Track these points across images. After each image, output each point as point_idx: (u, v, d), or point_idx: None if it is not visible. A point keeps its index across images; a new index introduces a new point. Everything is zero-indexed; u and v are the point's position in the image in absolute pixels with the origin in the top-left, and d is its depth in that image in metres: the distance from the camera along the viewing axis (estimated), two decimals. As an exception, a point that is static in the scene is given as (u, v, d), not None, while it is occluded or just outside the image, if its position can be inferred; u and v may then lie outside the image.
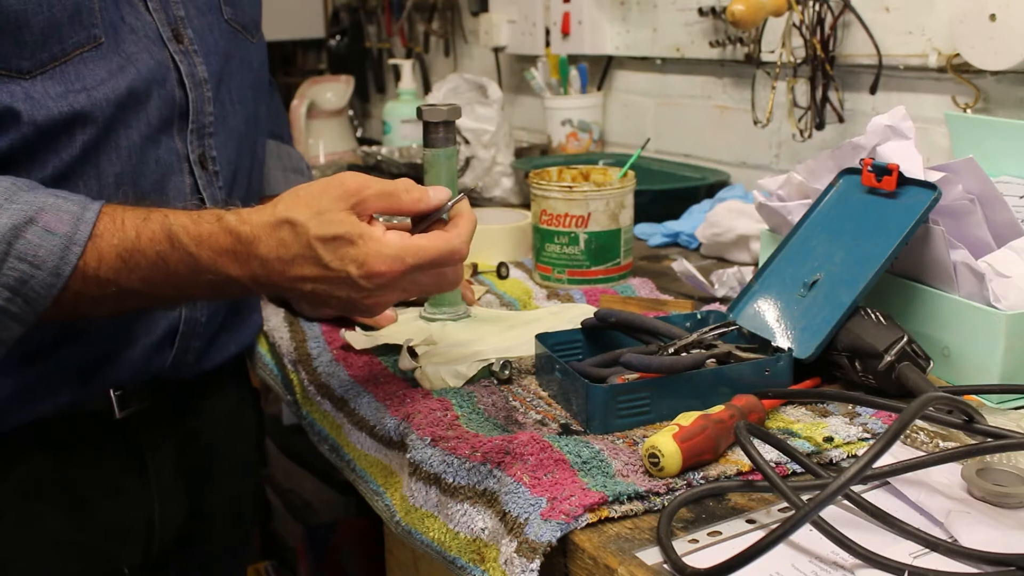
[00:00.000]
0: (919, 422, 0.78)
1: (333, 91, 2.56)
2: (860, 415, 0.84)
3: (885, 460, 0.65)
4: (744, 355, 0.89)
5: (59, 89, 0.86)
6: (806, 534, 0.65)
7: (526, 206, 1.53)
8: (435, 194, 0.84)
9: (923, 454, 0.74)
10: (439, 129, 1.01)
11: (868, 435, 0.80)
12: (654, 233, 1.53)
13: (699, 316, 1.00)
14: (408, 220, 0.88)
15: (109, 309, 0.84)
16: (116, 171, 0.91)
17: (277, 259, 0.79)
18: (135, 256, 0.80)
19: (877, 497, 0.70)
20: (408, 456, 0.83)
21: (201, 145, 1.00)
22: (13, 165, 0.86)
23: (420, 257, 0.80)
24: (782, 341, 0.93)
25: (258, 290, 0.84)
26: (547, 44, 2.09)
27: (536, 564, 0.66)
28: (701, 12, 1.72)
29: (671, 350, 0.90)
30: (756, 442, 0.72)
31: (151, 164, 0.95)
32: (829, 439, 0.79)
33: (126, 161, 0.92)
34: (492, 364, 0.96)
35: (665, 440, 0.73)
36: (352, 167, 2.23)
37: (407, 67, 2.46)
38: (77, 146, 0.88)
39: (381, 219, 0.85)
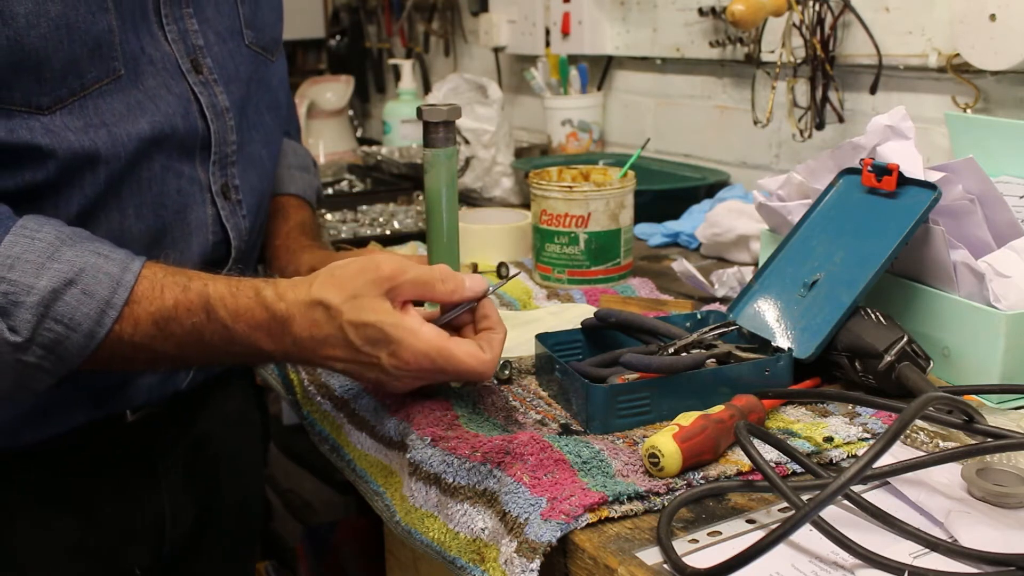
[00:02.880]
0: (919, 422, 0.78)
1: (333, 91, 2.57)
2: (860, 415, 0.84)
3: (885, 460, 0.65)
4: (744, 355, 0.89)
5: (79, 123, 0.85)
6: (806, 534, 0.65)
7: (526, 206, 1.53)
8: (471, 285, 0.84)
9: (923, 454, 0.74)
10: (439, 129, 1.01)
11: (868, 435, 0.80)
12: (654, 233, 1.53)
13: (699, 316, 1.00)
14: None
15: (141, 367, 0.86)
16: (136, 203, 0.91)
17: (310, 338, 0.80)
18: (171, 324, 0.81)
19: (877, 497, 0.70)
20: (408, 456, 0.83)
21: (224, 175, 0.99)
22: (39, 201, 0.85)
23: (448, 364, 0.80)
24: (782, 341, 0.93)
25: (288, 362, 0.85)
26: (547, 44, 2.09)
27: (536, 564, 0.66)
28: (701, 12, 1.72)
29: (671, 350, 0.90)
30: (756, 442, 0.72)
31: (172, 195, 0.94)
32: (829, 439, 0.79)
33: (147, 192, 0.91)
34: (492, 364, 0.95)
35: (665, 440, 0.73)
36: (352, 167, 2.23)
37: (407, 67, 2.47)
38: (100, 181, 0.87)
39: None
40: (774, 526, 0.62)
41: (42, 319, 0.77)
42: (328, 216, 1.74)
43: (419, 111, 1.02)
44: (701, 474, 0.74)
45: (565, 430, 0.83)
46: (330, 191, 2.04)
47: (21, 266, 0.77)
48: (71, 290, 0.78)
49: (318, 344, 0.80)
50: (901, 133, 1.00)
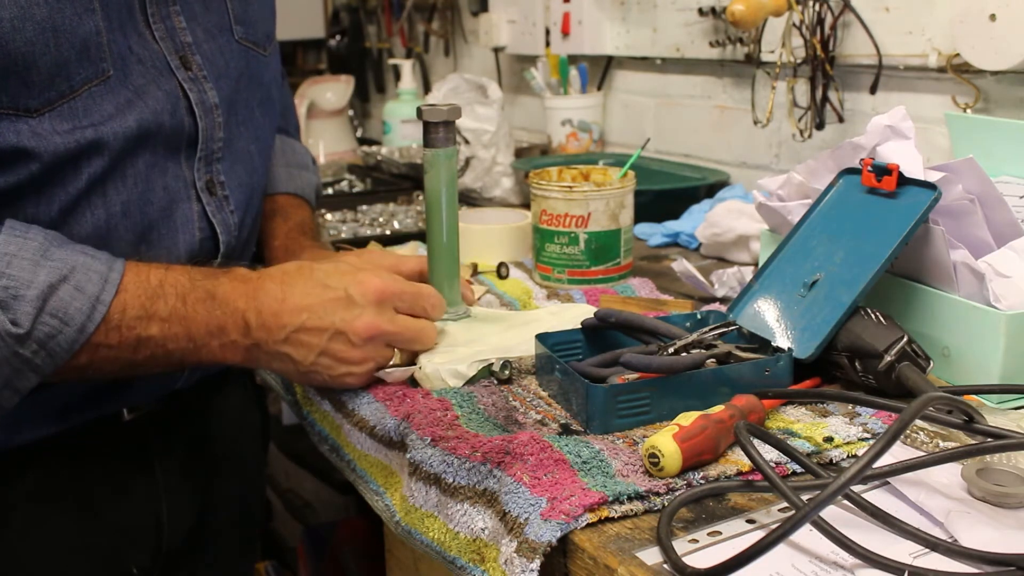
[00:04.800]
0: (919, 422, 0.78)
1: (333, 91, 2.56)
2: (860, 415, 0.84)
3: (885, 460, 0.65)
4: (744, 355, 0.89)
5: (66, 125, 0.85)
6: (806, 534, 0.65)
7: (526, 206, 1.53)
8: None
9: (923, 454, 0.74)
10: (439, 129, 1.01)
11: (868, 435, 0.80)
12: (654, 233, 1.53)
13: (699, 316, 1.00)
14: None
15: (121, 365, 0.87)
16: (123, 200, 0.91)
17: (281, 286, 0.89)
18: (156, 303, 0.85)
19: (877, 497, 0.70)
20: (408, 456, 0.83)
21: (209, 171, 0.99)
22: (20, 200, 0.85)
23: (399, 283, 0.92)
24: (782, 341, 0.93)
25: (257, 335, 0.88)
26: (547, 44, 2.09)
27: (536, 564, 0.66)
28: (701, 12, 1.72)
29: (671, 350, 0.90)
30: (756, 442, 0.72)
31: (158, 192, 0.94)
32: (829, 439, 0.79)
33: (132, 189, 0.92)
34: (492, 364, 0.96)
35: (665, 440, 0.73)
36: (352, 167, 2.23)
37: (407, 67, 2.47)
38: (83, 179, 0.88)
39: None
40: (774, 526, 0.62)
41: (40, 313, 0.80)
42: (328, 216, 1.74)
43: (419, 111, 1.02)
44: (701, 474, 0.74)
45: (565, 430, 0.83)
46: (330, 191, 2.04)
47: (18, 263, 0.80)
48: (64, 286, 0.81)
49: (288, 290, 0.88)
50: (901, 133, 1.00)
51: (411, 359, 0.96)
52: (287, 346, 0.89)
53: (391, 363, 0.95)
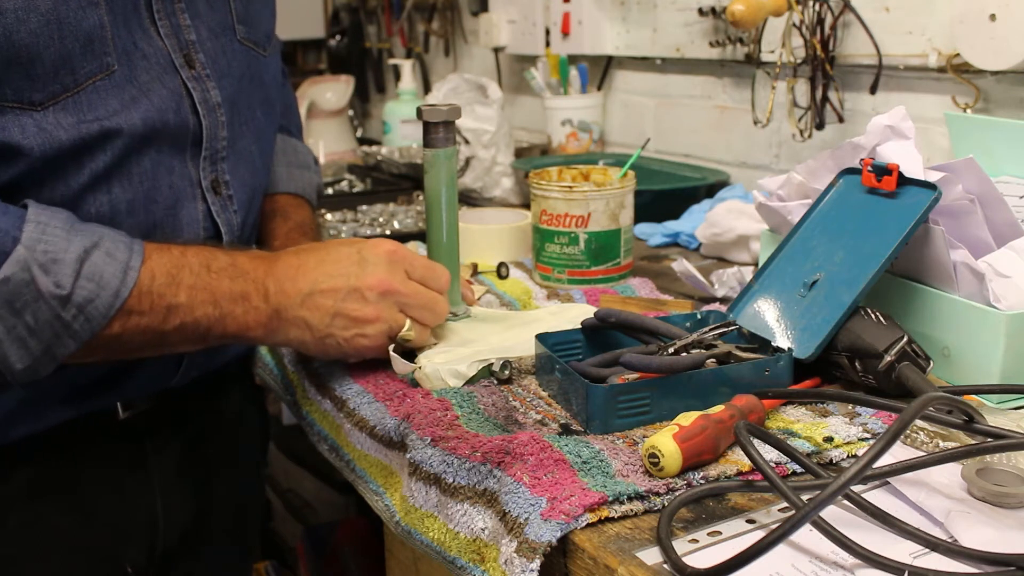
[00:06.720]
0: (919, 422, 0.78)
1: (333, 91, 2.57)
2: (860, 415, 0.84)
3: (885, 460, 0.65)
4: (744, 355, 0.89)
5: (71, 120, 0.85)
6: (806, 534, 0.65)
7: (526, 206, 1.53)
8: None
9: (923, 454, 0.74)
10: (439, 129, 1.01)
11: (868, 435, 0.80)
12: (654, 233, 1.53)
13: (699, 316, 1.00)
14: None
15: (151, 337, 0.87)
16: (129, 198, 0.92)
17: (296, 256, 0.93)
18: (181, 271, 0.87)
19: (877, 497, 0.70)
20: (408, 456, 0.83)
21: (214, 171, 0.99)
22: (20, 192, 0.86)
23: (412, 252, 0.94)
24: (782, 341, 0.93)
25: (276, 300, 0.90)
26: (547, 44, 2.09)
27: (536, 564, 0.66)
28: (701, 12, 1.72)
29: (671, 350, 0.90)
30: (756, 442, 0.72)
31: (164, 191, 0.94)
32: (829, 439, 0.79)
33: (138, 187, 0.92)
34: (492, 364, 0.95)
35: (665, 440, 0.73)
36: (352, 167, 2.23)
37: (407, 67, 2.47)
38: (84, 174, 0.88)
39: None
40: (774, 526, 0.62)
41: (77, 276, 0.82)
42: (328, 216, 1.74)
43: (419, 111, 1.02)
44: (701, 474, 0.74)
45: (565, 430, 0.83)
46: (330, 191, 2.04)
47: (52, 230, 0.82)
48: (97, 251, 0.83)
49: (304, 257, 0.92)
50: (901, 133, 1.00)
51: (420, 342, 0.97)
52: (303, 310, 0.91)
53: (403, 332, 0.95)
